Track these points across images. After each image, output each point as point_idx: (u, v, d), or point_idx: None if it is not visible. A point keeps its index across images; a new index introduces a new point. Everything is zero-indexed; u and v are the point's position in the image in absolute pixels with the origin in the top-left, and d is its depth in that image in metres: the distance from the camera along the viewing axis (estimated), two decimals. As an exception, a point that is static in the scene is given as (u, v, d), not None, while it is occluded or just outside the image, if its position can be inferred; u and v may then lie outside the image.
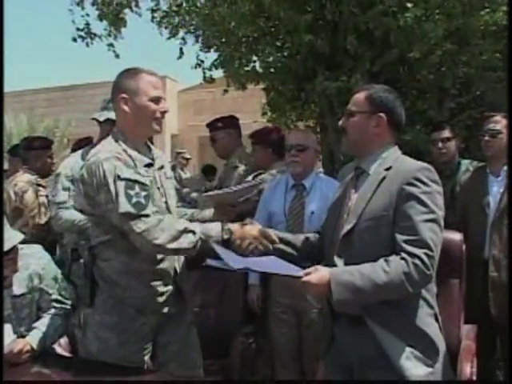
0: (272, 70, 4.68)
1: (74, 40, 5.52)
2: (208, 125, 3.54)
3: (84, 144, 3.53)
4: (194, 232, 1.84)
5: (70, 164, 2.90)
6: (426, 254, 1.49)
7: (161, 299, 1.94)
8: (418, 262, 1.49)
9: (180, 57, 5.42)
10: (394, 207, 1.56)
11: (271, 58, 4.54)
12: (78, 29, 5.52)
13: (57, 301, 2.30)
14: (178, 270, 2.02)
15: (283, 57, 4.52)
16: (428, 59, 3.93)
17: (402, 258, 1.50)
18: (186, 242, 1.81)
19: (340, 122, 1.78)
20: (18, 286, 2.21)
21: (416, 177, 1.55)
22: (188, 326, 2.09)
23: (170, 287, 1.98)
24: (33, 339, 2.11)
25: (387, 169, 1.63)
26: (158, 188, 1.98)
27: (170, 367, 2.00)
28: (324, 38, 4.05)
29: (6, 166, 4.30)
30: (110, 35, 5.56)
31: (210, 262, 1.76)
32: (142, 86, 1.91)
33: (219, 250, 1.76)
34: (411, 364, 1.51)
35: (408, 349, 1.51)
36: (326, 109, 4.28)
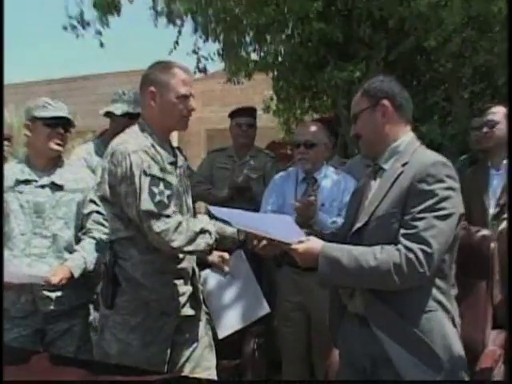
0: (281, 58, 4.67)
1: (65, 29, 5.45)
2: (245, 110, 3.55)
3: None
4: (210, 232, 1.90)
5: (81, 154, 2.93)
6: (422, 250, 1.47)
7: (182, 299, 1.99)
8: (411, 256, 1.47)
9: (175, 48, 5.35)
10: (403, 204, 1.54)
11: (281, 47, 4.53)
12: (70, 16, 5.45)
13: (99, 213, 2.32)
14: (196, 270, 2.08)
15: (294, 44, 4.51)
16: (446, 47, 3.90)
17: (397, 249, 1.49)
18: (202, 244, 1.88)
19: (351, 133, 1.79)
20: (59, 179, 2.27)
21: (428, 173, 1.53)
22: (204, 325, 2.13)
23: (189, 287, 2.03)
24: (74, 266, 2.15)
25: (404, 164, 1.61)
26: (180, 187, 2.02)
27: (185, 368, 2.03)
28: (337, 26, 4.04)
29: None
30: (101, 21, 5.41)
31: (212, 209, 1.77)
32: (172, 82, 1.93)
33: (215, 211, 1.78)
34: (413, 374, 1.49)
35: (410, 357, 1.50)
36: (337, 99, 4.28)
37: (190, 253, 1.92)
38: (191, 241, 1.85)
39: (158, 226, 1.81)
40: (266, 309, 2.35)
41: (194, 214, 2.18)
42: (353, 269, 1.52)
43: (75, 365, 1.94)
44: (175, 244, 1.82)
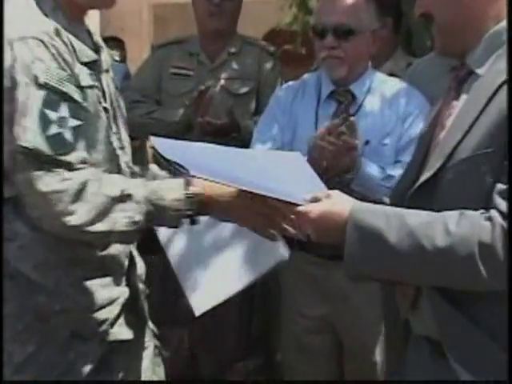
0: None
1: None
2: None
3: None
4: (136, 200, 1.87)
5: None
6: None
7: (110, 312, 2.02)
8: None
9: None
10: (504, 138, 1.53)
11: None
12: None
13: None
14: (135, 257, 2.13)
15: None
16: None
17: (488, 218, 1.50)
18: (123, 219, 1.86)
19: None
20: None
21: None
22: (150, 357, 2.20)
23: (124, 289, 2.10)
24: None
25: None
26: (106, 108, 2.06)
27: None
28: None
29: None
30: None
31: (155, 141, 1.83)
32: None
33: (161, 144, 1.83)
34: None
35: None
36: None
37: (101, 236, 1.89)
38: (102, 214, 1.83)
39: (46, 182, 1.78)
40: (283, 253, 2.27)
41: (140, 162, 2.22)
42: (404, 249, 1.54)
43: None
44: (73, 220, 1.79)
